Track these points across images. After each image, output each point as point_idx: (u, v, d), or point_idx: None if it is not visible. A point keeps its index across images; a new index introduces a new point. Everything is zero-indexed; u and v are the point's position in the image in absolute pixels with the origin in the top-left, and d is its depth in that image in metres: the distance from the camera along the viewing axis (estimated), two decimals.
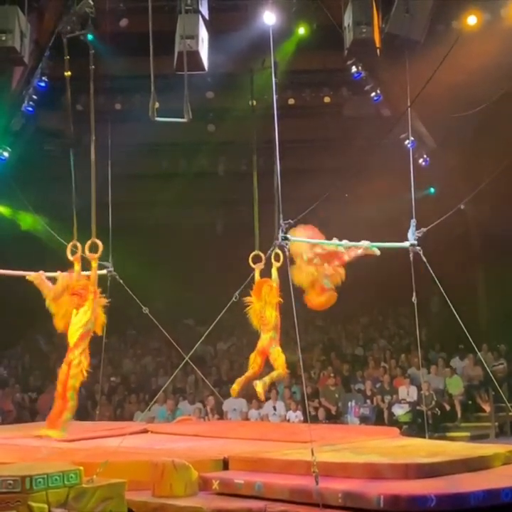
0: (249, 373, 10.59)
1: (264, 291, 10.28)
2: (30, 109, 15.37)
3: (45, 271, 10.81)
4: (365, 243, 9.66)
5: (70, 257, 10.45)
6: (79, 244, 10.43)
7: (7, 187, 15.34)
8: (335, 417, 15.45)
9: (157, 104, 9.79)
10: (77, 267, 10.37)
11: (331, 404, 15.69)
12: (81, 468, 7.14)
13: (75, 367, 9.98)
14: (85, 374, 10.10)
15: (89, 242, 10.35)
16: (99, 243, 10.38)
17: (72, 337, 10.03)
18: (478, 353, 12.78)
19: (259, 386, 10.39)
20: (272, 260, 9.79)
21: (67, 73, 12.10)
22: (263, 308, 10.30)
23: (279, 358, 10.35)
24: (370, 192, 18.47)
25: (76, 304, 10.06)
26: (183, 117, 9.95)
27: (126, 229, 15.78)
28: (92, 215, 10.86)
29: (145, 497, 7.65)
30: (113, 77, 16.75)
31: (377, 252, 9.70)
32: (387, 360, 17.47)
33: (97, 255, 10.34)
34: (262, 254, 10.20)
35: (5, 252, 14.00)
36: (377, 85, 15.85)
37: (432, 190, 18.15)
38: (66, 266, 10.55)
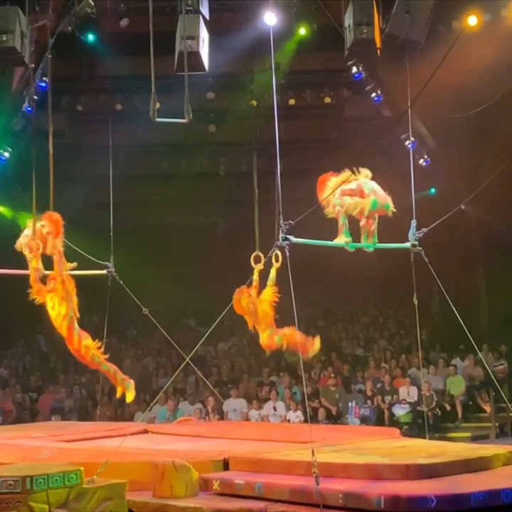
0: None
1: (244, 302, 10.10)
2: (30, 109, 15.38)
3: (46, 269, 10.74)
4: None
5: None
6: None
7: (7, 187, 15.36)
8: (335, 418, 15.46)
9: (158, 105, 9.78)
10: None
11: (332, 404, 15.70)
12: (81, 468, 7.14)
13: (87, 355, 9.99)
14: (98, 353, 10.08)
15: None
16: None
17: (61, 330, 9.98)
18: (479, 354, 12.79)
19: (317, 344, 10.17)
20: (273, 260, 9.75)
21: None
22: (252, 313, 10.13)
23: (292, 336, 10.11)
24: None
25: (51, 288, 9.91)
26: (183, 118, 9.94)
27: (127, 229, 15.77)
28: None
29: (146, 497, 7.65)
30: (114, 78, 16.80)
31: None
32: (387, 360, 17.47)
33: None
34: (261, 255, 10.14)
35: (5, 252, 13.99)
36: (377, 86, 15.86)
37: (433, 190, 18.17)
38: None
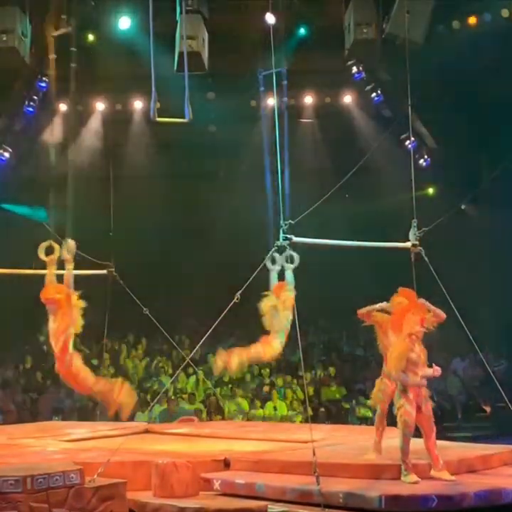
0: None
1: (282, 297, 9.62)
2: (31, 109, 15.40)
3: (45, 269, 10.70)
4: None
5: (43, 258, 9.79)
6: (56, 245, 9.83)
7: (7, 187, 15.39)
8: (336, 418, 15.44)
9: (158, 105, 9.78)
10: (51, 269, 9.72)
11: (332, 404, 15.69)
12: (82, 468, 7.14)
13: (77, 376, 9.64)
14: (90, 375, 9.80)
15: (66, 243, 9.77)
16: (73, 244, 9.83)
17: (57, 345, 9.67)
18: (480, 353, 12.77)
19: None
20: (283, 262, 9.63)
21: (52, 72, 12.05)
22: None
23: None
24: (370, 192, 18.51)
25: (53, 311, 9.47)
26: (183, 118, 9.94)
27: (127, 229, 15.78)
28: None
29: (146, 497, 7.64)
30: (114, 77, 16.81)
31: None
32: None
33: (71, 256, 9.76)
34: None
35: (5, 251, 13.99)
36: (377, 86, 15.89)
37: (432, 190, 18.22)
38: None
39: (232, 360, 9.04)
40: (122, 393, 9.54)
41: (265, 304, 9.63)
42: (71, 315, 9.54)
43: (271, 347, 9.38)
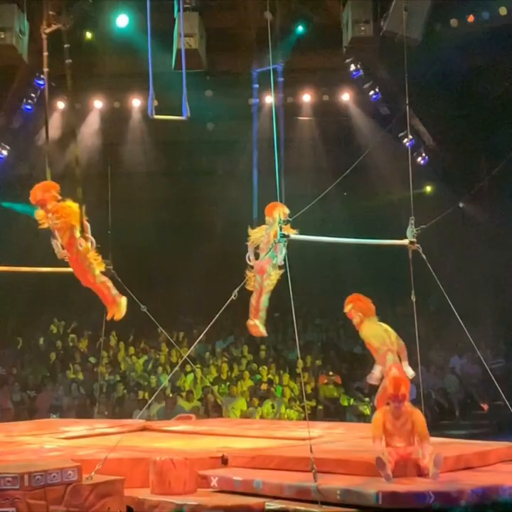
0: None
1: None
2: (29, 107, 15.39)
3: (46, 266, 10.72)
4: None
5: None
6: None
7: (6, 185, 15.38)
8: (333, 415, 15.46)
9: (156, 102, 9.79)
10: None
11: (330, 402, 15.70)
12: (79, 465, 7.15)
13: (82, 263, 9.74)
14: (95, 263, 9.86)
15: None
16: None
17: (64, 238, 9.63)
18: (477, 351, 12.79)
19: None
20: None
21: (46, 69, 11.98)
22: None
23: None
24: (368, 190, 18.53)
25: (44, 209, 9.63)
26: (181, 115, 9.95)
27: (125, 226, 15.78)
28: None
29: (144, 494, 7.65)
30: (112, 76, 16.80)
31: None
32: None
33: None
34: None
35: (4, 250, 14.00)
36: (375, 83, 15.89)
37: (430, 188, 18.25)
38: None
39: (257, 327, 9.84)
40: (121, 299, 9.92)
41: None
42: (65, 211, 9.60)
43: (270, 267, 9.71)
